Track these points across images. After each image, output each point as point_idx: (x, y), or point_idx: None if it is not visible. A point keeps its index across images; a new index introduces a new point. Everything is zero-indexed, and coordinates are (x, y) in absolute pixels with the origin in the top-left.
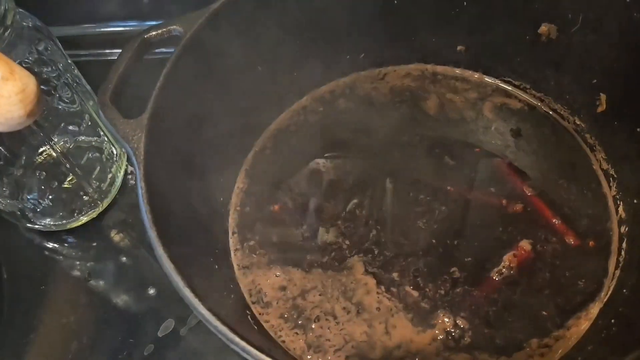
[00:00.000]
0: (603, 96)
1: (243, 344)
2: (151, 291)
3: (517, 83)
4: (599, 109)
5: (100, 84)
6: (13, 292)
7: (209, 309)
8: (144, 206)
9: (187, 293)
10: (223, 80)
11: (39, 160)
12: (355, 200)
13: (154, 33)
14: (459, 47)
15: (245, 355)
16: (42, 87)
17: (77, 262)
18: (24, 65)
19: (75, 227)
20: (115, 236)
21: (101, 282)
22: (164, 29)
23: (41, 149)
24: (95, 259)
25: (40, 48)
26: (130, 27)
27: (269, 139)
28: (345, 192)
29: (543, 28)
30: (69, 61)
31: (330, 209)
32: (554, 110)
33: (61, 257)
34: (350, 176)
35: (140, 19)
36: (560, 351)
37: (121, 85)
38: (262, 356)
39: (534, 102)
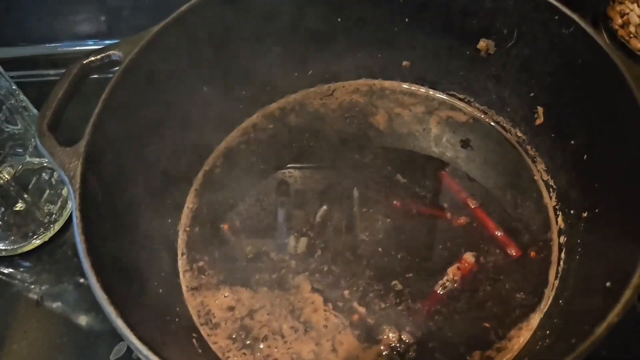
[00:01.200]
0: (540, 109)
1: None
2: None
3: (461, 96)
4: (537, 122)
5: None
6: None
7: (140, 339)
8: (79, 236)
9: (119, 323)
10: (167, 103)
11: None
12: (305, 218)
13: (92, 58)
14: (404, 63)
15: None
16: None
17: (32, 286)
18: None
19: (29, 251)
20: (70, 258)
21: (54, 305)
22: (104, 54)
23: None
24: (50, 282)
25: None
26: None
27: (218, 158)
28: (297, 208)
29: (482, 43)
30: (13, 86)
31: (279, 228)
32: (497, 123)
33: (15, 281)
34: (299, 192)
35: (100, 39)
36: None
37: (60, 111)
38: None
39: (478, 114)
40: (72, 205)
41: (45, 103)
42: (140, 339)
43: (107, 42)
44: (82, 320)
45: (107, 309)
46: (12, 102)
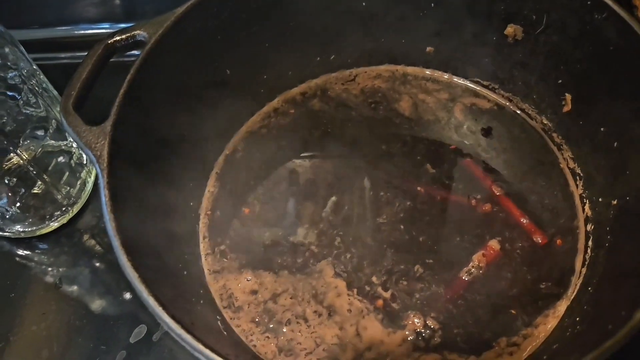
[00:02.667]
0: (568, 96)
1: (207, 351)
2: (126, 295)
3: (485, 83)
4: (565, 109)
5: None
6: None
7: (173, 317)
8: (108, 214)
9: (151, 302)
10: (190, 84)
11: (7, 166)
12: (325, 203)
13: (117, 38)
14: (427, 49)
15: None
16: (6, 92)
17: (49, 269)
18: None
19: (47, 233)
20: (88, 241)
21: (73, 288)
22: (128, 34)
23: (9, 156)
24: (67, 264)
25: (3, 52)
26: (103, 29)
27: (240, 142)
28: (316, 194)
29: (509, 29)
30: (34, 66)
31: (301, 212)
32: (522, 110)
33: (32, 263)
34: (320, 178)
35: (114, 22)
36: (528, 349)
37: (85, 91)
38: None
39: (503, 101)
40: (101, 184)
41: (70, 83)
42: (174, 317)
43: (122, 25)
44: (101, 303)
45: (138, 287)
46: (34, 82)
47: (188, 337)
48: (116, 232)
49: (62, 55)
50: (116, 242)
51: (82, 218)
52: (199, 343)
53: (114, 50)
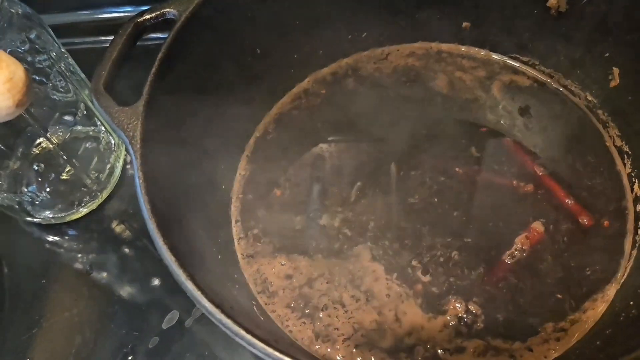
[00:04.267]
0: (616, 70)
1: (248, 337)
2: (155, 282)
3: (525, 59)
4: (612, 84)
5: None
6: (14, 286)
7: (212, 302)
8: (142, 196)
9: (190, 286)
10: (220, 64)
11: (36, 152)
12: (359, 185)
13: (147, 17)
14: (464, 24)
15: (250, 348)
16: (34, 76)
17: (79, 255)
18: (14, 54)
19: (76, 219)
20: (117, 227)
21: (103, 275)
22: (158, 12)
23: (37, 141)
24: (96, 251)
25: (32, 36)
26: (126, 12)
27: (270, 124)
28: (350, 177)
29: (552, 1)
30: (62, 49)
31: (334, 195)
32: (565, 87)
33: (62, 249)
34: (354, 161)
35: (137, 5)
36: (576, 335)
37: (115, 72)
38: (269, 349)
39: (544, 78)
40: (134, 166)
41: (100, 63)
42: (213, 302)
43: (144, 7)
44: (131, 289)
45: (175, 270)
46: (62, 66)
47: (229, 322)
48: (151, 215)
49: (87, 39)
50: (152, 225)
51: (110, 204)
52: (240, 328)
53: (144, 29)
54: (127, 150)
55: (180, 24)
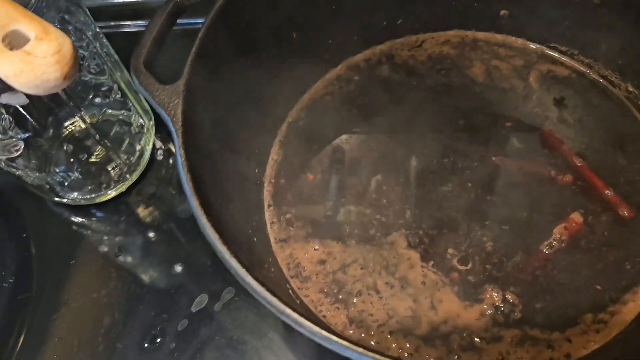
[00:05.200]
0: None
1: (295, 316)
2: (180, 267)
3: (563, 49)
4: None
5: (127, 54)
6: (42, 266)
7: (257, 279)
8: (185, 174)
9: (234, 263)
10: (258, 46)
11: (67, 132)
12: (393, 174)
13: None
14: (502, 12)
15: (297, 327)
16: None
17: (106, 237)
18: None
19: (104, 202)
20: (144, 211)
21: (132, 257)
22: None
23: (69, 122)
24: (124, 233)
25: (68, 16)
26: None
27: (302, 110)
28: (385, 165)
29: None
30: (98, 30)
31: (368, 183)
32: (604, 77)
33: (89, 231)
34: (387, 148)
35: None
36: (617, 327)
37: (154, 51)
38: (316, 328)
39: (583, 68)
40: (175, 144)
41: (139, 42)
42: (257, 279)
43: None
44: (159, 272)
45: (219, 248)
46: (97, 46)
47: (274, 300)
48: (194, 192)
49: (122, 23)
50: (194, 203)
51: (138, 187)
52: (285, 306)
53: (183, 8)
54: (157, 134)
55: (219, 4)
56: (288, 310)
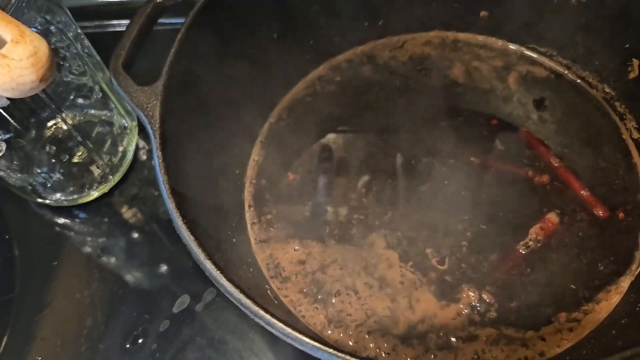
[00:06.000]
0: (636, 62)
1: (268, 317)
2: (165, 267)
3: (543, 50)
4: (631, 75)
5: (110, 55)
6: (25, 267)
7: (232, 281)
8: (162, 176)
9: (209, 265)
10: (238, 47)
11: (49, 133)
12: (372, 175)
13: None
14: (482, 13)
15: (269, 328)
16: None
17: (89, 238)
18: None
19: (87, 203)
20: (128, 212)
21: (115, 258)
22: None
23: (51, 123)
24: (107, 234)
25: (49, 17)
26: None
27: (284, 110)
28: (364, 165)
29: None
30: (79, 31)
31: (348, 183)
32: (582, 78)
33: (72, 232)
34: (368, 149)
35: None
36: (590, 325)
37: (134, 52)
38: (288, 330)
39: (561, 69)
40: (153, 145)
41: (119, 43)
42: (232, 281)
43: None
44: (142, 273)
45: (194, 250)
46: (79, 47)
47: (248, 302)
48: (170, 195)
49: (104, 23)
50: (171, 205)
51: (121, 188)
52: (259, 308)
53: (163, 9)
54: (140, 134)
55: (199, 5)
56: (261, 312)
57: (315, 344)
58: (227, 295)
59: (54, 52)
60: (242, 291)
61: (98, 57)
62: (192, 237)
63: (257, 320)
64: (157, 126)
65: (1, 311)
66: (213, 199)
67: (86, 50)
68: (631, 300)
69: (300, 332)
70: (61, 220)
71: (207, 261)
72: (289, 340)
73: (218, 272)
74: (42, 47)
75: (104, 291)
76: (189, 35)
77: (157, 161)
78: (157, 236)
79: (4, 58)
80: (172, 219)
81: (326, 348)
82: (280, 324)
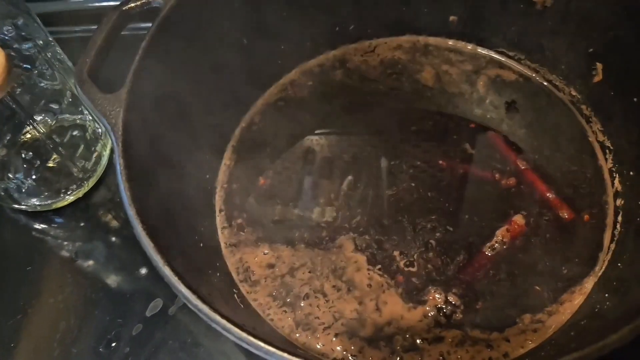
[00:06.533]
0: (600, 65)
1: (223, 321)
2: (143, 271)
3: (511, 54)
4: (596, 79)
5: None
6: None
7: (189, 287)
8: (123, 183)
9: (167, 271)
10: (206, 54)
11: (23, 139)
12: (347, 178)
13: (132, 5)
14: (451, 18)
15: (226, 333)
16: (21, 64)
17: (65, 242)
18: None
19: (62, 207)
20: (103, 215)
21: (89, 262)
22: (143, 1)
23: (25, 129)
24: (82, 239)
25: (18, 23)
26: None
27: (256, 115)
28: (336, 169)
29: None
30: (49, 38)
31: (319, 187)
32: (549, 82)
33: (48, 237)
34: (338, 153)
35: None
36: (553, 326)
37: (99, 60)
38: (243, 334)
39: (529, 73)
40: (115, 153)
41: (85, 50)
42: (190, 287)
43: None
44: (117, 277)
45: (154, 257)
46: (49, 54)
47: (204, 308)
48: (131, 201)
49: (76, 28)
50: (131, 212)
51: (97, 192)
52: (215, 313)
53: (129, 17)
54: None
55: (164, 12)
56: (217, 317)
57: (270, 347)
58: (184, 300)
59: (25, 59)
60: (199, 296)
61: (69, 63)
62: (151, 244)
63: (213, 325)
64: (120, 133)
65: None
66: (181, 203)
67: (58, 57)
68: (592, 301)
69: (256, 337)
70: (36, 225)
71: (166, 267)
72: (245, 345)
73: (176, 277)
74: None
75: (77, 295)
76: (154, 41)
77: (119, 169)
78: (133, 240)
79: None
80: (132, 226)
81: (277, 351)
82: (235, 329)
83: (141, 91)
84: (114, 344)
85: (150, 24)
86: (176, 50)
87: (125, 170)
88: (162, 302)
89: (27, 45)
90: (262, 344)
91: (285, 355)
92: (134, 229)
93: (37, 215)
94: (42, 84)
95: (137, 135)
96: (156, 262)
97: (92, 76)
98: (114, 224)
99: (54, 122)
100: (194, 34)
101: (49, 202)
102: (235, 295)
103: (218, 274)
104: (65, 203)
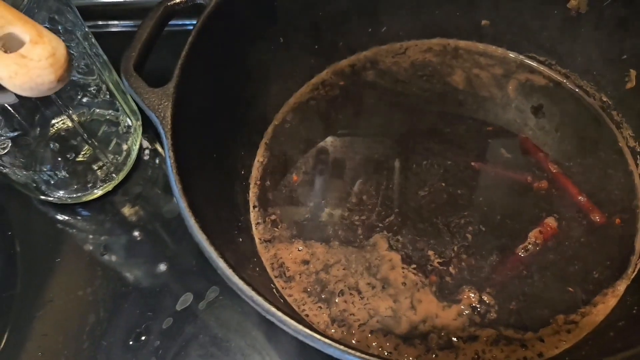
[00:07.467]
0: (633, 72)
1: (279, 314)
2: (165, 266)
3: (542, 59)
4: (628, 86)
5: (117, 55)
6: (26, 265)
7: (244, 280)
8: (174, 176)
9: (221, 264)
10: (246, 51)
11: (54, 131)
12: (375, 178)
13: (177, 0)
14: (483, 22)
15: (281, 325)
16: None
17: (91, 236)
18: None
19: (90, 201)
20: (130, 210)
21: (118, 256)
22: None
23: (56, 120)
24: (109, 232)
25: (58, 16)
26: None
27: (288, 113)
28: (366, 169)
29: (572, 2)
30: (87, 30)
31: (350, 186)
32: (580, 87)
33: (75, 230)
34: (370, 153)
35: None
36: (587, 327)
37: (144, 54)
38: (300, 326)
39: (559, 78)
40: (165, 147)
41: (130, 45)
42: (244, 279)
43: None
44: (144, 271)
45: (207, 248)
46: (86, 46)
47: (260, 299)
48: (182, 194)
49: (112, 23)
50: (183, 204)
51: (125, 187)
52: (271, 305)
53: (173, 12)
54: (144, 134)
55: (209, 9)
56: (273, 309)
57: (326, 340)
58: (239, 293)
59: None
60: (255, 289)
61: (105, 57)
62: (204, 237)
63: (269, 317)
64: (169, 127)
65: (2, 307)
66: (220, 199)
67: (94, 50)
68: (627, 303)
69: (313, 330)
70: (64, 218)
71: (220, 260)
72: (300, 337)
73: (230, 270)
74: (60, 47)
75: (106, 288)
76: (199, 38)
77: (169, 162)
78: (160, 235)
79: (23, 58)
80: (184, 219)
81: (337, 345)
82: (293, 322)
83: (187, 86)
84: (143, 338)
85: (188, 21)
86: (219, 47)
87: (176, 164)
88: (192, 297)
89: (66, 38)
90: (318, 336)
91: (341, 347)
92: (186, 222)
93: (64, 207)
94: (78, 78)
95: (183, 129)
96: (209, 254)
97: (138, 70)
98: (141, 218)
99: (89, 116)
100: (235, 31)
101: (78, 195)
102: (274, 290)
103: (257, 269)
104: (95, 197)
